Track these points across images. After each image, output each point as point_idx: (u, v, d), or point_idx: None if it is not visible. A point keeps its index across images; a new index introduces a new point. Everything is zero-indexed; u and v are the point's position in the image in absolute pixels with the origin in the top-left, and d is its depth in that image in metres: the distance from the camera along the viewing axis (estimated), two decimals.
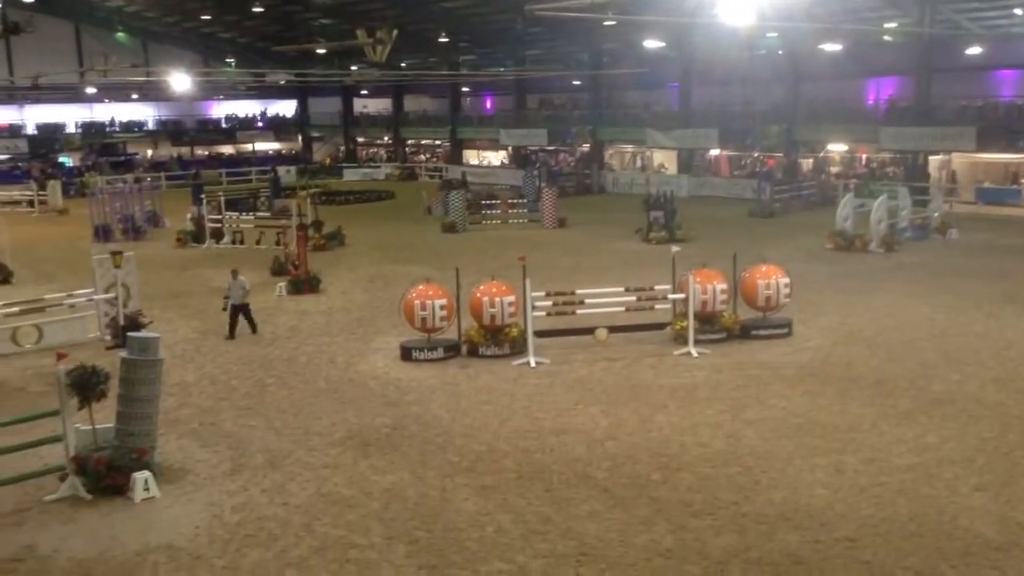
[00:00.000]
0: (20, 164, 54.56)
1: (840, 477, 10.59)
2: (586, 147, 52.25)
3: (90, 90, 56.26)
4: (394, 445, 11.94)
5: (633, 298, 16.80)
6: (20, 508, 10.15)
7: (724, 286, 16.58)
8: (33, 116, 58.54)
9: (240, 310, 18.14)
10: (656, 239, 28.38)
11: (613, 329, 16.49)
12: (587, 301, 16.80)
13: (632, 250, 27.47)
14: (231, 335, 17.88)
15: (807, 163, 44.92)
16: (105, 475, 10.37)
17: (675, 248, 17.60)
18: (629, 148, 53.55)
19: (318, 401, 13.91)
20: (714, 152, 47.86)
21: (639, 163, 53.41)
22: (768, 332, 16.81)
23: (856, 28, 33.58)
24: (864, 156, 44.04)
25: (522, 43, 53.05)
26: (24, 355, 16.76)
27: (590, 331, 16.41)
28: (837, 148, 44.20)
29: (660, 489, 10.35)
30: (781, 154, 43.86)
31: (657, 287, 16.85)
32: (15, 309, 17.49)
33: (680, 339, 16.22)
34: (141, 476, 10.35)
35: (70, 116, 59.85)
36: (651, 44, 39.78)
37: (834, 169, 44.53)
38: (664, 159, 50.58)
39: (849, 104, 41.71)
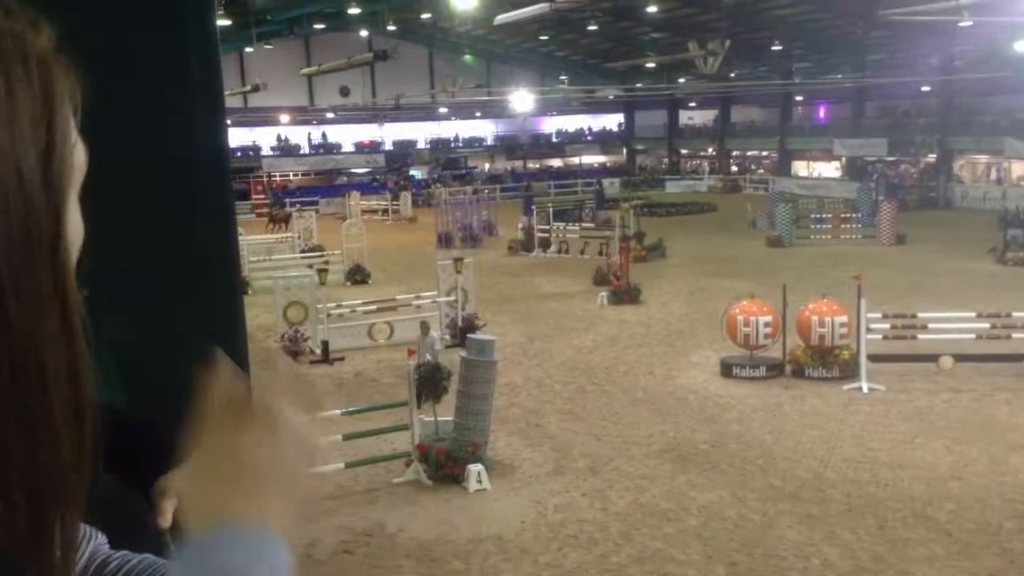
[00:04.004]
0: (377, 177, 60.89)
1: None
2: (931, 157, 48.04)
3: (441, 109, 61.65)
4: (712, 463, 11.78)
5: (986, 325, 15.20)
6: (373, 488, 11.30)
7: None
8: (390, 133, 64.98)
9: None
10: (1014, 260, 25.46)
11: (960, 358, 15.02)
12: (930, 326, 15.48)
13: (983, 272, 24.81)
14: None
15: None
16: (444, 464, 11.27)
17: None
18: (983, 159, 48.43)
19: (636, 411, 14.08)
20: None
21: (994, 175, 48.14)
22: None
23: None
24: None
25: (862, 48, 49.95)
26: (378, 349, 18.65)
27: (931, 358, 15.07)
28: None
29: (1015, 539, 9.24)
30: None
31: (1015, 314, 15.13)
32: (372, 307, 19.50)
33: None
34: (475, 468, 11.11)
35: (421, 133, 65.78)
36: (1019, 45, 35.59)
37: None
38: None
39: None
